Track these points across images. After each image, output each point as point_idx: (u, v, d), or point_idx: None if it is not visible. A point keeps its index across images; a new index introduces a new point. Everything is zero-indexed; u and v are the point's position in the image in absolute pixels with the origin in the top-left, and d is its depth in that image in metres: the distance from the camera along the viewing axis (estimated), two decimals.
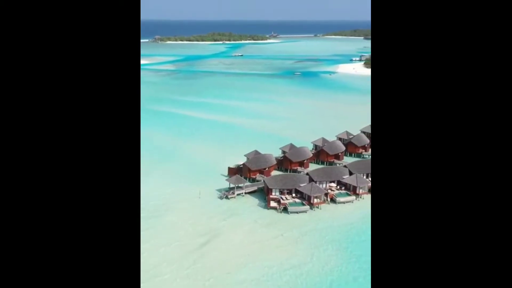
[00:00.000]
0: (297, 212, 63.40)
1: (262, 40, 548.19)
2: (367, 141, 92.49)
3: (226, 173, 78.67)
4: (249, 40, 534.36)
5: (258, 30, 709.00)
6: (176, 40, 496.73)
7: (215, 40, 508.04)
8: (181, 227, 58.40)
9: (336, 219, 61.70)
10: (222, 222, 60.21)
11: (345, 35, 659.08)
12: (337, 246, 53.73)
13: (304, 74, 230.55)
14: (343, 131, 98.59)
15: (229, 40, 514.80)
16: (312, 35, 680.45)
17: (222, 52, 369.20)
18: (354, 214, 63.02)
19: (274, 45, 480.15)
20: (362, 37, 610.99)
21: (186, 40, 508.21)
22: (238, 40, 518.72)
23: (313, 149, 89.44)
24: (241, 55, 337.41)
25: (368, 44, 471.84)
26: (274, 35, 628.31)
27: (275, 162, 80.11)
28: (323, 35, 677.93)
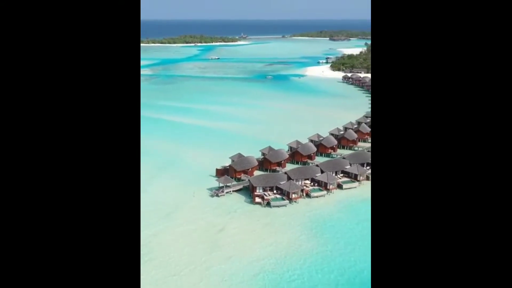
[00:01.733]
0: (278, 206, 73.66)
1: (232, 42, 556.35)
2: (335, 142, 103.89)
3: (214, 174, 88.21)
4: (220, 42, 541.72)
5: (227, 31, 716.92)
6: (148, 43, 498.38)
7: (186, 42, 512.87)
8: (193, 221, 68.00)
9: (310, 210, 72.45)
10: (220, 216, 69.98)
11: (311, 36, 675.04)
12: (309, 229, 64.64)
13: (275, 77, 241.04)
14: (314, 133, 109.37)
15: (201, 42, 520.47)
16: (280, 36, 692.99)
17: (196, 55, 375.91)
18: (325, 206, 73.90)
19: (245, 47, 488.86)
20: (328, 38, 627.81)
21: (159, 43, 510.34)
22: (209, 42, 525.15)
23: (288, 150, 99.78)
24: (218, 58, 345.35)
25: (332, 45, 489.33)
26: (244, 36, 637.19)
27: (256, 163, 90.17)
28: (290, 36, 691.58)
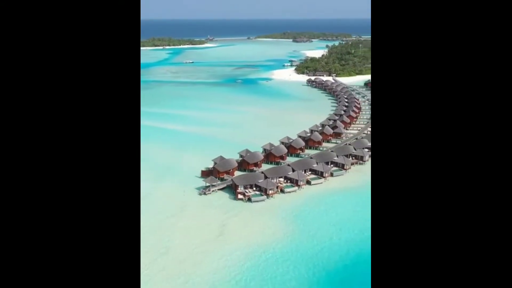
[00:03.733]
0: (258, 201, 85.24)
1: (200, 44, 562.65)
2: (303, 143, 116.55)
3: (199, 175, 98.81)
4: (187, 44, 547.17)
5: (193, 32, 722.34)
6: None
7: (155, 46, 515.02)
8: (188, 216, 78.55)
9: (284, 203, 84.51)
10: (210, 211, 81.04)
11: (275, 38, 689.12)
12: (283, 219, 76.80)
13: (244, 81, 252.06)
14: (284, 136, 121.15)
15: (169, 45, 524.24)
16: (245, 37, 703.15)
17: (166, 59, 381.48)
18: (297, 199, 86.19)
19: (212, 49, 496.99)
20: (291, 40, 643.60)
21: None
22: (177, 45, 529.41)
23: (263, 152, 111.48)
24: (192, 62, 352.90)
25: (295, 47, 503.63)
26: (210, 38, 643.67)
27: (236, 165, 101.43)
28: (255, 38, 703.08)
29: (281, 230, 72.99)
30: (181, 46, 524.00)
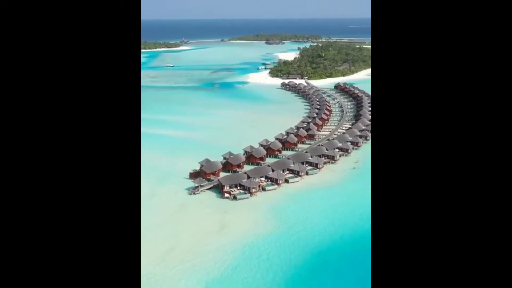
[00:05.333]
0: (242, 199, 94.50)
1: (175, 47, 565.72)
2: (280, 145, 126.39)
3: (187, 176, 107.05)
4: (163, 47, 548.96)
5: (167, 34, 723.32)
6: None
7: None
8: (182, 213, 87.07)
9: (266, 200, 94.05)
10: (201, 208, 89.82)
11: (248, 40, 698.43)
12: (265, 214, 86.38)
13: (222, 85, 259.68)
14: (262, 138, 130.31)
15: (145, 48, 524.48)
16: (219, 39, 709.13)
17: (143, 63, 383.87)
18: (277, 196, 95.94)
19: (188, 52, 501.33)
20: (264, 42, 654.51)
21: None
22: (153, 48, 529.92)
23: (244, 154, 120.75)
24: (172, 66, 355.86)
25: (268, 49, 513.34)
26: (185, 41, 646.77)
27: (221, 166, 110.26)
28: (229, 40, 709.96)
29: (263, 223, 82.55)
30: (157, 49, 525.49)
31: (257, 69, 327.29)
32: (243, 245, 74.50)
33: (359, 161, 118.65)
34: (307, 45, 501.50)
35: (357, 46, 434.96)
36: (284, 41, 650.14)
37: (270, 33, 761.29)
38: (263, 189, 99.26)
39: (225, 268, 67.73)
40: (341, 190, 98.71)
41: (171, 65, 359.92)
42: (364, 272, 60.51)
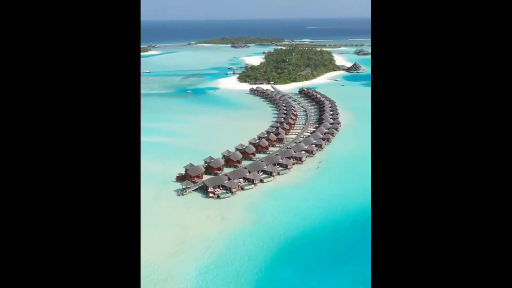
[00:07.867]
0: (225, 198, 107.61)
1: (144, 52, 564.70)
2: (254, 149, 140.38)
3: (174, 179, 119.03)
4: None
5: None
6: None
7: None
8: (175, 211, 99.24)
9: (245, 198, 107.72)
10: (190, 207, 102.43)
11: (214, 43, 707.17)
12: (245, 210, 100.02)
13: (194, 91, 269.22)
14: (238, 143, 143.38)
15: None
16: (186, 43, 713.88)
17: None
18: (254, 194, 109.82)
19: (157, 57, 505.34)
20: (230, 45, 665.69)
21: None
22: None
23: (223, 158, 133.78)
24: (149, 72, 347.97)
25: (234, 53, 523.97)
26: (153, 45, 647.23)
27: (204, 170, 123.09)
28: (195, 43, 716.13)
29: (245, 217, 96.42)
30: None
31: (226, 74, 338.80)
32: (228, 234, 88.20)
33: (323, 161, 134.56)
34: (271, 48, 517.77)
35: (318, 49, 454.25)
36: (249, 44, 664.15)
37: (235, 36, 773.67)
38: (242, 189, 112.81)
39: (212, 253, 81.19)
40: (308, 187, 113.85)
41: (148, 71, 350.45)
42: (321, 257, 79.18)
